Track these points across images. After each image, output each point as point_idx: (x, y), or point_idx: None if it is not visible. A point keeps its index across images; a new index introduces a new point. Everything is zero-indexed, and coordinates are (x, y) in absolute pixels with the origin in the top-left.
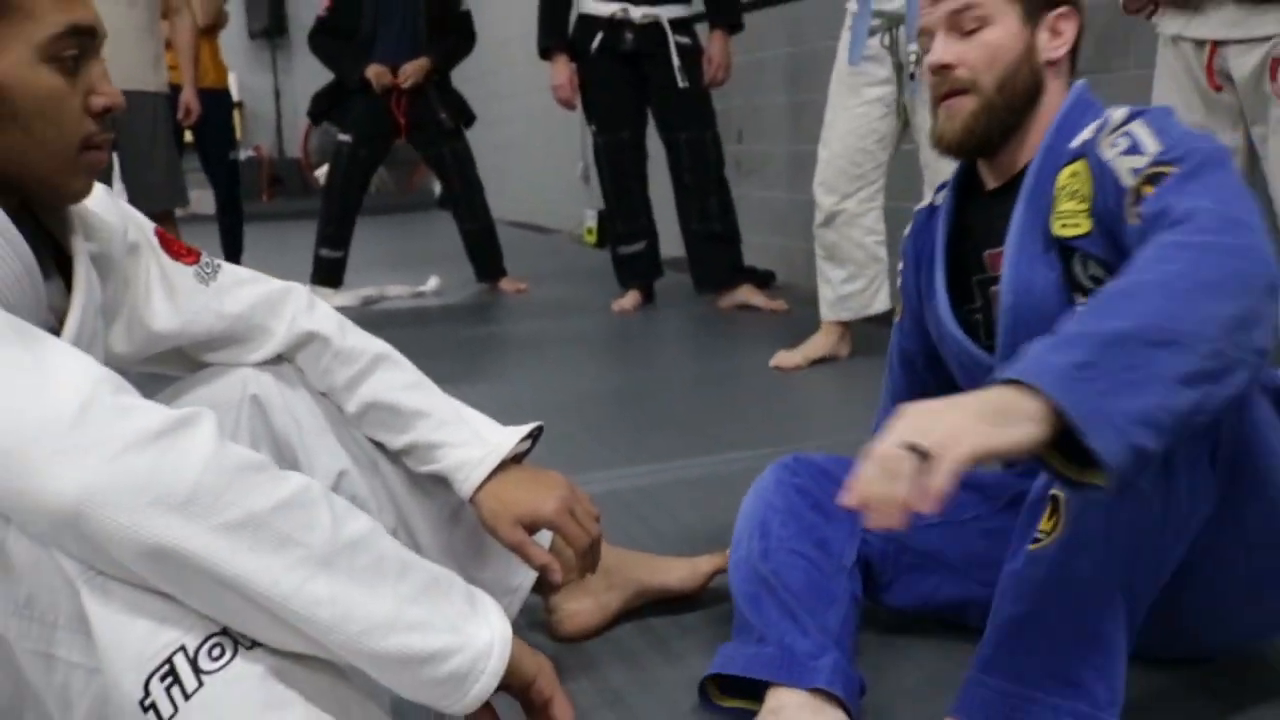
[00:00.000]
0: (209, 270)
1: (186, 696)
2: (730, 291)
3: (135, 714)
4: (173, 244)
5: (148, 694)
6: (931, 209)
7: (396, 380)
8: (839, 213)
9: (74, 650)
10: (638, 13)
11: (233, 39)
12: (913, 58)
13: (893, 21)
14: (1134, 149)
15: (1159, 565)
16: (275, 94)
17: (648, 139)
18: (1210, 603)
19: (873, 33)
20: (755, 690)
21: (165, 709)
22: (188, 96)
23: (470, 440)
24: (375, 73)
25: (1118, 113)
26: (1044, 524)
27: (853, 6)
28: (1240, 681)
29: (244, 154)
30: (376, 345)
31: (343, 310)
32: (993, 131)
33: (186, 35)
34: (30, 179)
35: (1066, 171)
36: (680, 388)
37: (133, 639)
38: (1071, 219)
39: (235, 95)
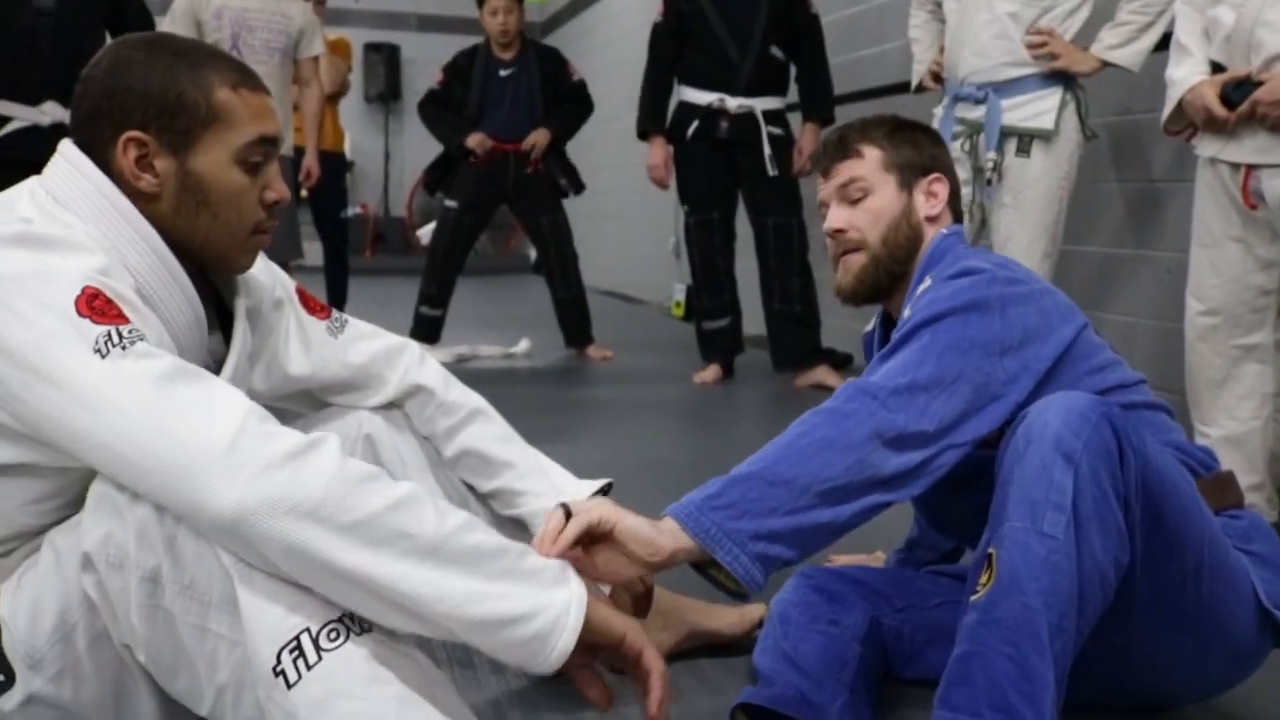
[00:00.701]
0: (338, 325)
1: (309, 667)
2: (807, 371)
3: (269, 678)
4: (310, 301)
5: (279, 662)
6: (873, 333)
7: (489, 433)
8: None
9: (222, 625)
10: (734, 103)
11: (348, 102)
12: (990, 164)
13: (974, 129)
14: (902, 324)
15: (1083, 605)
16: (385, 155)
17: (737, 221)
18: (1161, 647)
19: (955, 138)
20: None
21: (292, 676)
22: (310, 161)
23: (548, 491)
24: (476, 140)
25: (924, 284)
26: (982, 578)
27: (938, 113)
28: None
29: (351, 211)
30: (474, 400)
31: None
32: (881, 279)
33: (314, 105)
34: (210, 253)
35: None
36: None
37: (270, 619)
38: None
39: (348, 155)
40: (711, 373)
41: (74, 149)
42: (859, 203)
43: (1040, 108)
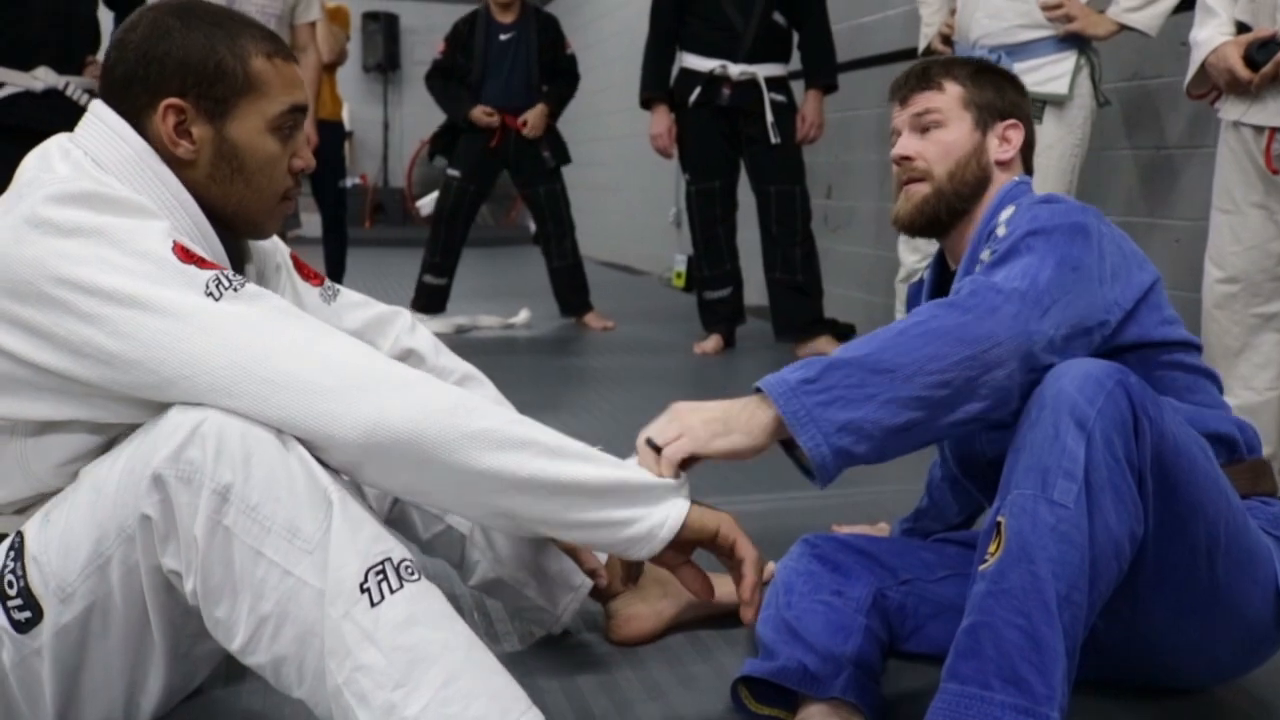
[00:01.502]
0: (330, 293)
1: (392, 591)
2: (809, 341)
3: (352, 593)
4: (304, 268)
5: (366, 580)
6: (920, 283)
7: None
8: (921, 269)
9: (278, 553)
10: (736, 70)
11: (347, 72)
12: None
13: None
14: (994, 243)
15: (1094, 578)
16: (384, 125)
17: (739, 189)
18: (1167, 623)
19: None
20: (788, 703)
21: (376, 596)
22: (307, 128)
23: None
24: (478, 114)
25: (1006, 210)
26: (991, 547)
27: None
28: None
29: (350, 181)
30: (464, 366)
31: (437, 337)
32: (941, 213)
33: (311, 72)
34: (240, 219)
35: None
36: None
37: (362, 540)
38: None
39: (347, 125)
40: (713, 342)
41: (110, 112)
42: (930, 133)
43: (1054, 72)
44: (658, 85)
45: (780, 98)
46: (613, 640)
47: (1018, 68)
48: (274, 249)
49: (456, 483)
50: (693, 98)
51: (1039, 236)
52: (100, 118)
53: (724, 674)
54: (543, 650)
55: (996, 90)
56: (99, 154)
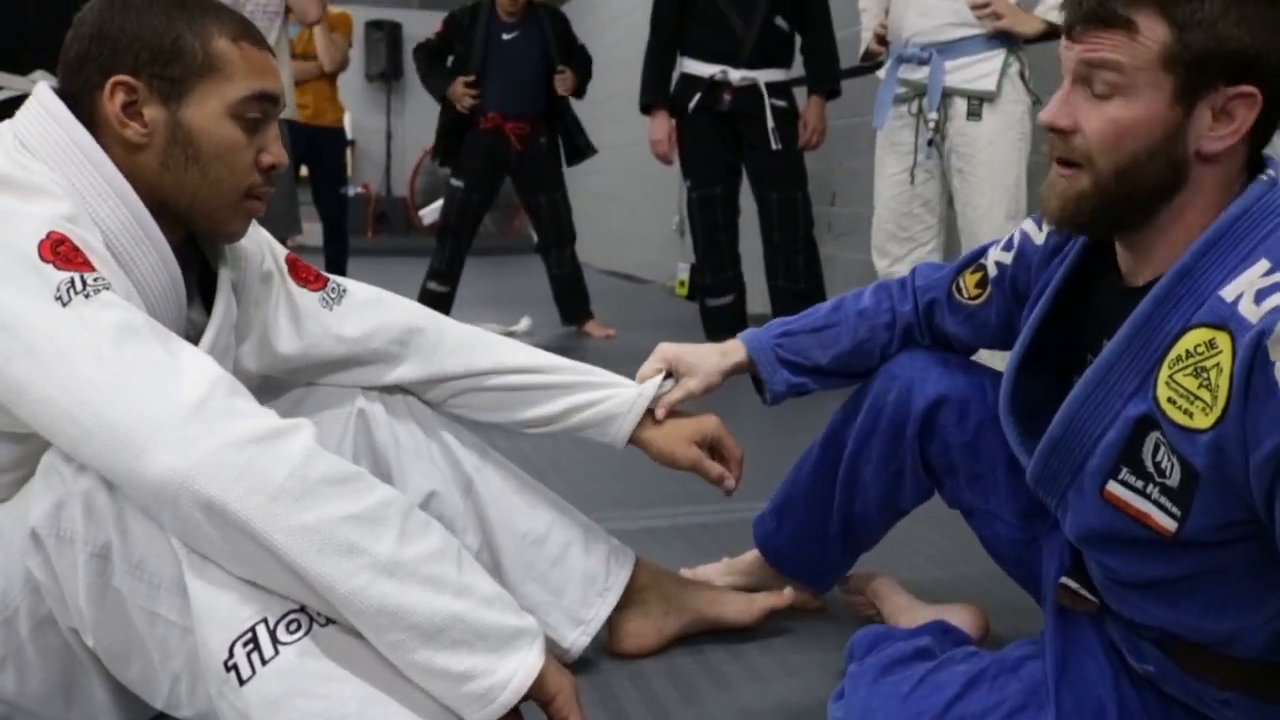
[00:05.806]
0: (334, 295)
1: (264, 662)
2: None
3: (220, 673)
4: (302, 270)
5: (231, 656)
6: (1044, 250)
7: (544, 363)
8: (892, 275)
9: (173, 610)
10: (737, 75)
11: (350, 81)
12: (931, 124)
13: (917, 90)
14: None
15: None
16: (387, 135)
17: (741, 196)
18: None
19: (898, 100)
20: None
21: (245, 671)
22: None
23: (621, 385)
24: (456, 93)
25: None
26: None
27: (882, 75)
28: None
29: (353, 190)
30: (520, 354)
31: None
32: (1101, 222)
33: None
34: (197, 215)
35: (1203, 336)
36: (752, 435)
37: (223, 607)
38: (1187, 401)
39: (349, 134)
40: None
41: (48, 92)
42: (1104, 102)
43: (983, 70)
44: (658, 90)
45: (782, 103)
46: (615, 653)
47: (948, 65)
48: (262, 255)
49: (280, 580)
50: (693, 103)
51: None
52: (37, 97)
53: (727, 689)
54: None
55: (1245, 26)
56: (27, 136)
